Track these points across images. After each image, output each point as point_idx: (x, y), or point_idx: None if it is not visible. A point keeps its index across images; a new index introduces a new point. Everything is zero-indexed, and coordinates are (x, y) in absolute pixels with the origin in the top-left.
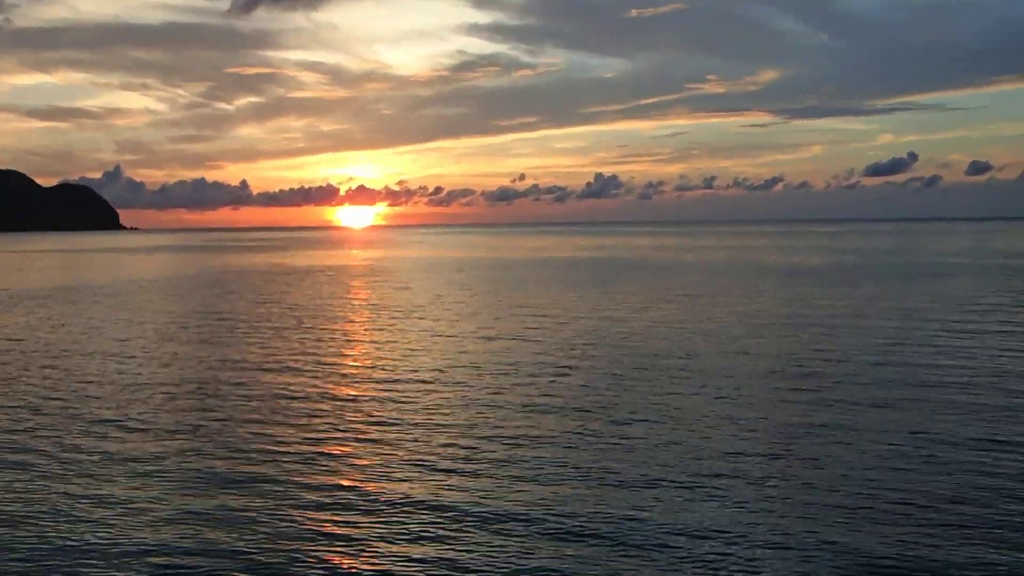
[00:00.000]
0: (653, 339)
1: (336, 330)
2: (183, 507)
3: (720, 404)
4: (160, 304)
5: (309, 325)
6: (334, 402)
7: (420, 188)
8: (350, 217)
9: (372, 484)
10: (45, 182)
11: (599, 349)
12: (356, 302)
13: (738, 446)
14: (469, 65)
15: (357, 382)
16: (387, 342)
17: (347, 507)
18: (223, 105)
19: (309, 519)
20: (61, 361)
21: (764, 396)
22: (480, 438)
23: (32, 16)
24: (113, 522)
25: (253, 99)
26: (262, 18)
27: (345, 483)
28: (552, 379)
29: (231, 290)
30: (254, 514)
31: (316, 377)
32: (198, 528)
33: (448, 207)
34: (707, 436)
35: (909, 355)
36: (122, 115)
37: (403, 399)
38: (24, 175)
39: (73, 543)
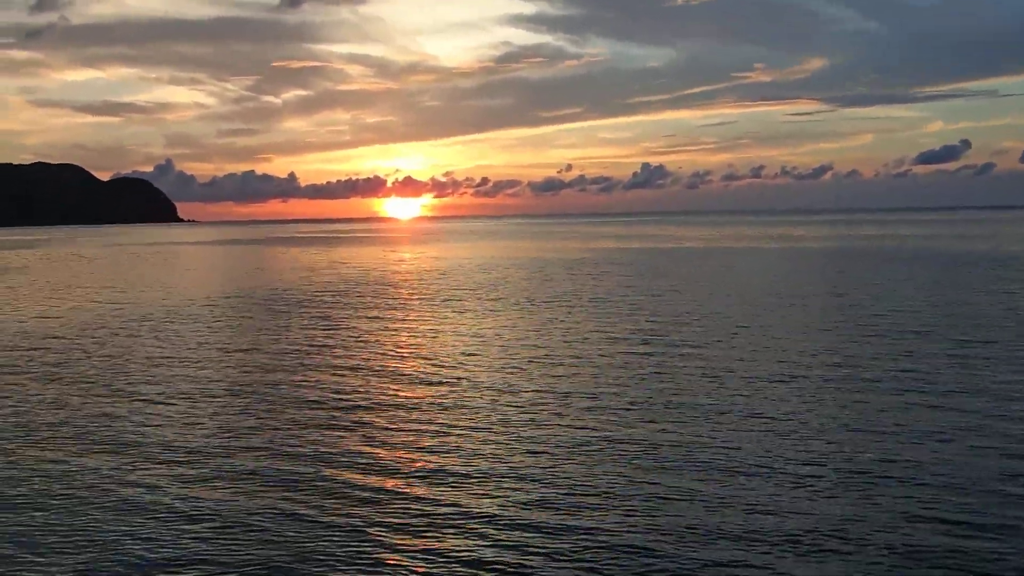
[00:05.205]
0: None
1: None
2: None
3: None
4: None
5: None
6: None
7: (466, 179)
8: (397, 208)
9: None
10: (98, 176)
11: None
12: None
13: None
14: (514, 56)
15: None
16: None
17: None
18: (270, 98)
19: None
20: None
21: None
22: None
23: (84, 13)
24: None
25: (300, 92)
26: (308, 12)
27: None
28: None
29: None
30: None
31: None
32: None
33: (494, 198)
34: None
35: None
36: (171, 109)
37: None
38: (82, 168)
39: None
